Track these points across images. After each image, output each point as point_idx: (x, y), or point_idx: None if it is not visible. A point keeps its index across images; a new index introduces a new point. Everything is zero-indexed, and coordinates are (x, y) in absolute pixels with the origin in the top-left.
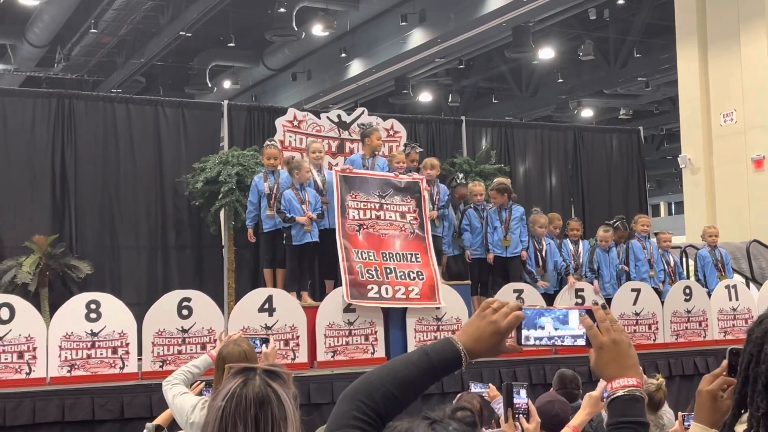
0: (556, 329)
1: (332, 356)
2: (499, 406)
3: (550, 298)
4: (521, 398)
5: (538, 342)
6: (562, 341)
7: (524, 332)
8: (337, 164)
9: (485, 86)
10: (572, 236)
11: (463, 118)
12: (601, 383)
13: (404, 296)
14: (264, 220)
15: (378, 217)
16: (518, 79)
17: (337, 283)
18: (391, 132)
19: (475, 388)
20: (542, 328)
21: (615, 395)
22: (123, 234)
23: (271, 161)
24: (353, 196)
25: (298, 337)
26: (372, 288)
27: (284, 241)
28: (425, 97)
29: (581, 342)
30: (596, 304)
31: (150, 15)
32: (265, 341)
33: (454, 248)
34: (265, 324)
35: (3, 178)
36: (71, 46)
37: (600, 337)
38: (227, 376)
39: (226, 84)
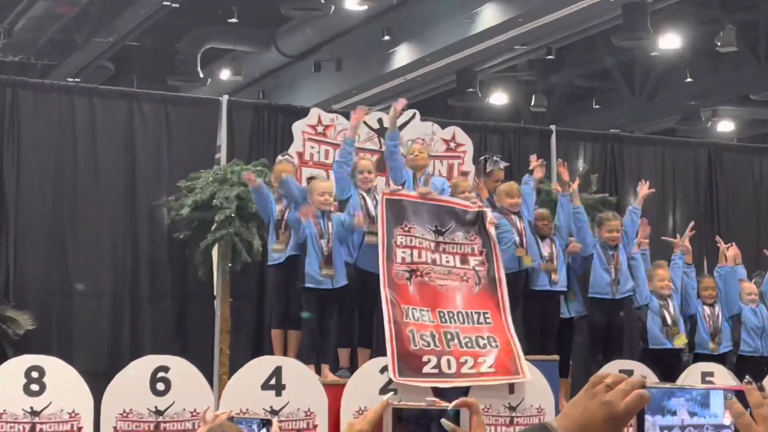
0: (692, 415)
1: None
2: None
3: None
4: None
5: None
6: None
7: (648, 419)
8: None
9: (583, 86)
10: (706, 298)
11: (552, 127)
12: None
13: (473, 370)
14: (270, 255)
15: (434, 262)
16: (630, 77)
17: (376, 353)
18: (452, 145)
19: None
20: (673, 413)
21: None
22: (78, 276)
23: None
24: (405, 229)
25: (315, 426)
26: (429, 360)
27: (299, 282)
28: (499, 98)
29: None
30: (749, 382)
31: None
32: (266, 424)
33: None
34: (271, 407)
35: None
36: (13, 18)
37: (755, 429)
38: None
39: (225, 74)
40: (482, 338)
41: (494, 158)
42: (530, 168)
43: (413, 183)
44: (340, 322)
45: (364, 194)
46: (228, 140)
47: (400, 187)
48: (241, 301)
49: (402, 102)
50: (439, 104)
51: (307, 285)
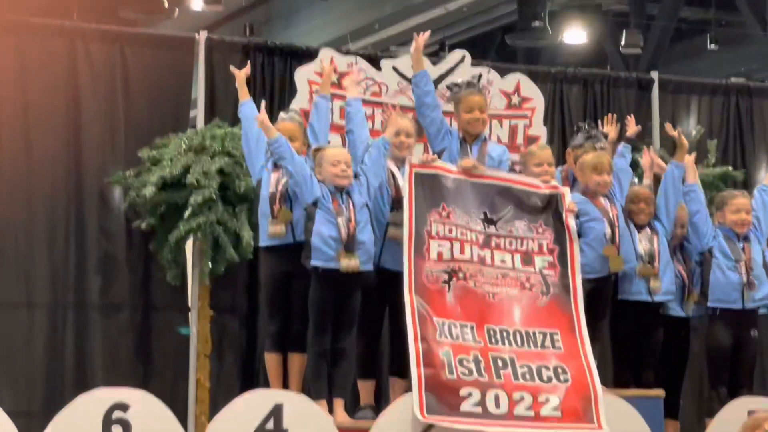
0: None
1: None
2: None
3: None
4: None
5: None
6: None
7: None
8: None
9: (694, 18)
10: None
11: (653, 75)
12: None
13: (530, 412)
14: (262, 237)
15: (482, 261)
16: (760, 6)
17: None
18: (515, 99)
19: None
20: None
21: None
22: (3, 280)
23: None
24: (442, 214)
25: None
26: (470, 395)
27: (303, 263)
28: (576, 35)
29: None
30: None
31: None
32: None
33: None
34: None
35: None
36: None
37: None
38: None
39: (198, 3)
40: (547, 368)
41: (586, 127)
42: (627, 134)
43: (459, 152)
44: (362, 339)
45: (394, 168)
46: (207, 94)
47: (435, 156)
48: (225, 314)
49: (425, 34)
50: (494, 44)
51: (314, 263)
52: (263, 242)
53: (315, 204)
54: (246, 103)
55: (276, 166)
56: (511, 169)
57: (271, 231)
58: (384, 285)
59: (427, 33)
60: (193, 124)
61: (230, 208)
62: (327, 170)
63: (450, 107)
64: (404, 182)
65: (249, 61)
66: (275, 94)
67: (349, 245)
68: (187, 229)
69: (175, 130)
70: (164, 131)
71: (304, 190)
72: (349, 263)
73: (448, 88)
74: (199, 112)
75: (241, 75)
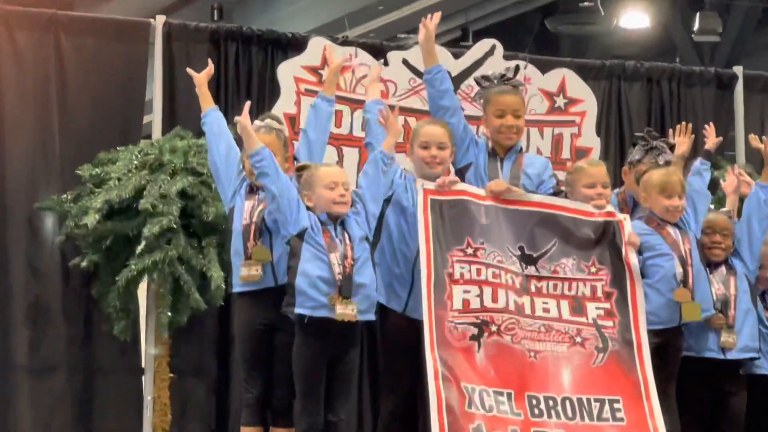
0: None
1: None
2: None
3: None
4: None
5: None
6: None
7: None
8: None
9: None
10: None
11: (737, 71)
12: None
13: None
14: (235, 281)
15: (520, 309)
16: None
17: None
18: (560, 101)
19: None
20: None
21: None
22: None
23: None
24: (467, 252)
25: None
26: None
27: (284, 311)
28: (636, 19)
29: None
30: None
31: None
32: None
33: None
34: None
35: None
36: None
37: None
38: None
39: None
40: None
41: (654, 141)
42: (705, 147)
43: (488, 170)
44: (390, 399)
45: (419, 190)
46: (165, 95)
47: (455, 179)
48: (189, 377)
49: (434, 16)
50: (532, 31)
51: (299, 311)
52: (236, 287)
53: (301, 236)
54: (210, 113)
55: (252, 190)
56: (557, 193)
57: (244, 274)
58: (410, 339)
59: (437, 15)
60: (147, 133)
61: (195, 241)
62: (321, 194)
63: (475, 110)
64: (417, 211)
65: (211, 60)
66: (252, 94)
67: (345, 288)
68: (140, 268)
69: (125, 142)
70: (111, 143)
71: (288, 217)
72: (344, 311)
73: (477, 82)
74: (155, 118)
75: (201, 78)
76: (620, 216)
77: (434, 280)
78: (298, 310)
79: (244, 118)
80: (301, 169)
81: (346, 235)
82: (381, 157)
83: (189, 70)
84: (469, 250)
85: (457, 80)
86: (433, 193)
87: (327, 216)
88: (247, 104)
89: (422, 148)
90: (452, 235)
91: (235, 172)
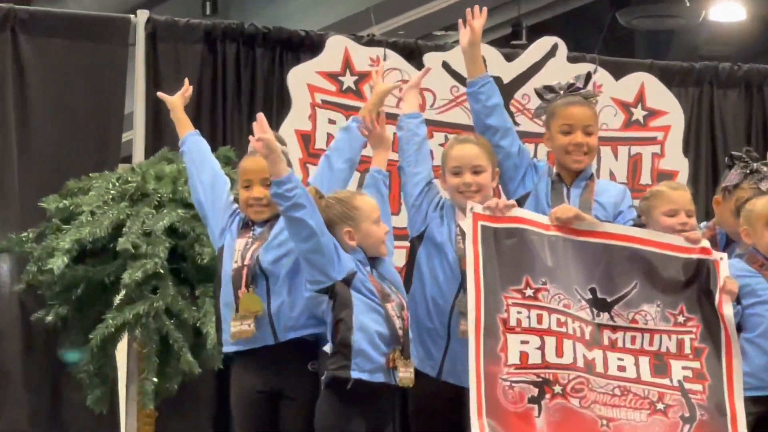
0: None
1: None
2: None
3: None
4: None
5: None
6: None
7: None
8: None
9: None
10: None
11: None
12: None
13: None
14: (224, 342)
15: (591, 366)
16: None
17: None
18: (638, 114)
19: None
20: None
21: None
22: None
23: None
24: (525, 293)
25: None
26: None
27: (335, 373)
28: (730, 10)
29: None
30: None
31: None
32: None
33: None
34: None
35: None
36: None
37: None
38: None
39: None
40: None
41: (753, 164)
42: None
43: (551, 198)
44: None
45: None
46: (149, 107)
47: (511, 202)
48: None
49: (480, 13)
50: (601, 26)
51: (356, 375)
52: (227, 346)
53: (348, 282)
54: (189, 138)
55: (246, 226)
56: (639, 224)
57: (234, 330)
58: (447, 407)
59: (484, 11)
60: (127, 154)
61: (187, 289)
62: (369, 231)
63: (533, 127)
64: (466, 243)
65: (206, 65)
66: (256, 106)
67: (407, 346)
68: (118, 323)
69: (100, 167)
70: (82, 167)
71: (332, 259)
72: (406, 374)
73: (538, 94)
74: (136, 137)
75: (176, 102)
76: (717, 255)
77: (485, 328)
78: (356, 375)
79: (265, 133)
80: (328, 199)
81: (387, 281)
82: (382, 178)
83: (160, 94)
84: (529, 292)
85: (510, 88)
86: (484, 219)
87: (366, 257)
88: (262, 116)
89: (453, 175)
90: (508, 272)
91: (222, 206)
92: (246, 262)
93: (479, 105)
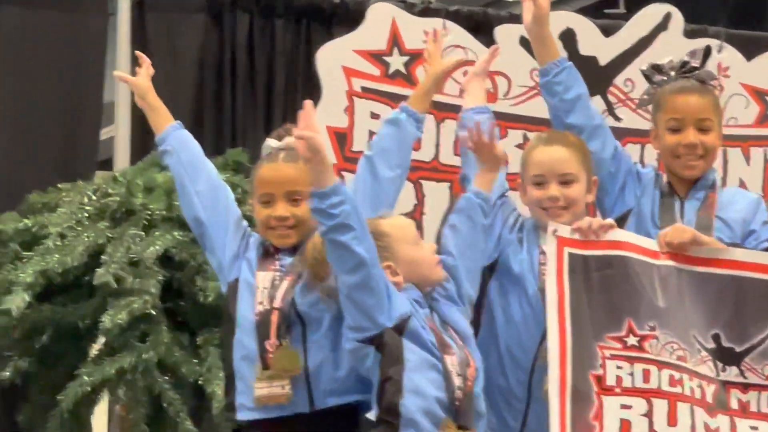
0: None
1: None
2: None
3: None
4: None
5: None
6: None
7: None
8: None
9: None
10: None
11: None
12: None
13: None
14: (242, 403)
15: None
16: None
17: None
18: None
19: None
20: None
21: None
22: None
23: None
24: (626, 342)
25: None
26: None
27: None
28: None
29: None
30: None
31: None
32: None
33: None
34: None
35: None
36: None
37: None
38: None
39: None
40: None
41: None
42: None
43: (660, 214)
44: None
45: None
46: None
47: (610, 222)
48: None
49: None
50: None
51: None
52: (244, 413)
53: (400, 329)
54: (171, 132)
55: (267, 253)
56: None
57: (262, 393)
58: None
59: None
60: (107, 157)
61: (185, 336)
62: (409, 257)
63: (640, 122)
64: (548, 276)
65: (210, 40)
66: (275, 95)
67: (466, 414)
68: (96, 380)
69: (71, 175)
70: (48, 176)
71: (383, 299)
72: None
73: (646, 76)
74: (119, 135)
75: (141, 84)
76: None
77: (572, 388)
78: None
79: (310, 130)
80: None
81: (449, 328)
82: (480, 202)
83: (118, 74)
84: (632, 340)
85: (609, 71)
86: (572, 245)
87: (420, 295)
88: (309, 104)
89: (535, 186)
90: (604, 315)
91: (231, 225)
92: (277, 305)
93: (555, 99)
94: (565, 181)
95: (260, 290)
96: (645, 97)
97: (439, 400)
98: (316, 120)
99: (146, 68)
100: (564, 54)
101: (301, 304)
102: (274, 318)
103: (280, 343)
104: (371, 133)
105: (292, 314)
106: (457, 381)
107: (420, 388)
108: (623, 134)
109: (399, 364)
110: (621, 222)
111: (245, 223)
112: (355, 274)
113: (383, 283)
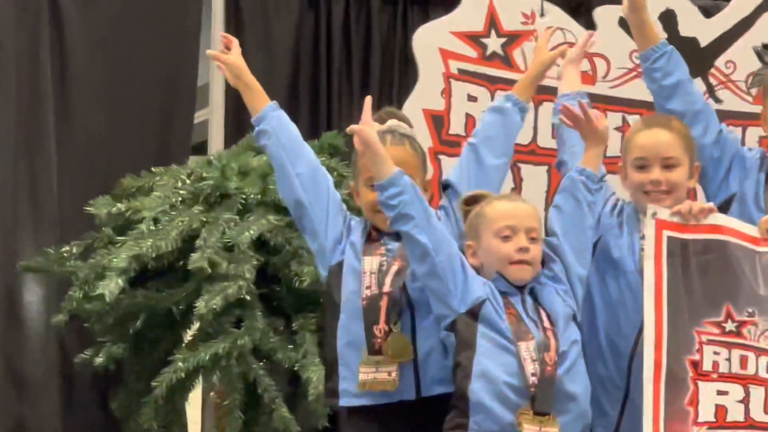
0: None
1: None
2: None
3: None
4: None
5: None
6: None
7: None
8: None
9: None
10: None
11: None
12: None
13: None
14: (345, 389)
15: None
16: None
17: None
18: None
19: None
20: None
21: None
22: None
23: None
24: (725, 328)
25: None
26: None
27: None
28: None
29: None
30: None
31: None
32: None
33: None
34: None
35: None
36: None
37: None
38: None
39: None
40: None
41: None
42: None
43: (763, 196)
44: None
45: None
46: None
47: (709, 206)
48: None
49: None
50: None
51: None
52: (347, 399)
53: (474, 314)
54: (268, 113)
55: (371, 238)
56: None
57: (367, 378)
58: None
59: None
60: (201, 140)
61: (281, 321)
62: (489, 247)
63: (741, 104)
64: (645, 259)
65: (304, 20)
66: (372, 79)
67: (543, 400)
68: (190, 367)
69: (165, 159)
70: (141, 159)
71: (451, 285)
72: None
73: (758, 54)
74: (213, 117)
75: (235, 62)
76: None
77: (667, 373)
78: None
79: (366, 125)
80: (471, 203)
81: (543, 313)
82: (583, 179)
83: (211, 52)
84: (730, 326)
85: (709, 53)
86: (671, 228)
87: (507, 283)
88: (368, 100)
89: (637, 169)
90: (702, 300)
91: (334, 208)
92: (386, 289)
93: (655, 85)
94: (668, 165)
95: (368, 275)
96: (757, 77)
97: (510, 385)
98: (369, 114)
99: (236, 48)
100: (663, 36)
101: (413, 289)
102: (384, 303)
103: (389, 328)
104: (468, 116)
105: (402, 299)
106: (531, 367)
107: (489, 372)
108: (724, 116)
109: (470, 350)
110: (725, 208)
111: (345, 207)
112: (423, 262)
113: (453, 269)
